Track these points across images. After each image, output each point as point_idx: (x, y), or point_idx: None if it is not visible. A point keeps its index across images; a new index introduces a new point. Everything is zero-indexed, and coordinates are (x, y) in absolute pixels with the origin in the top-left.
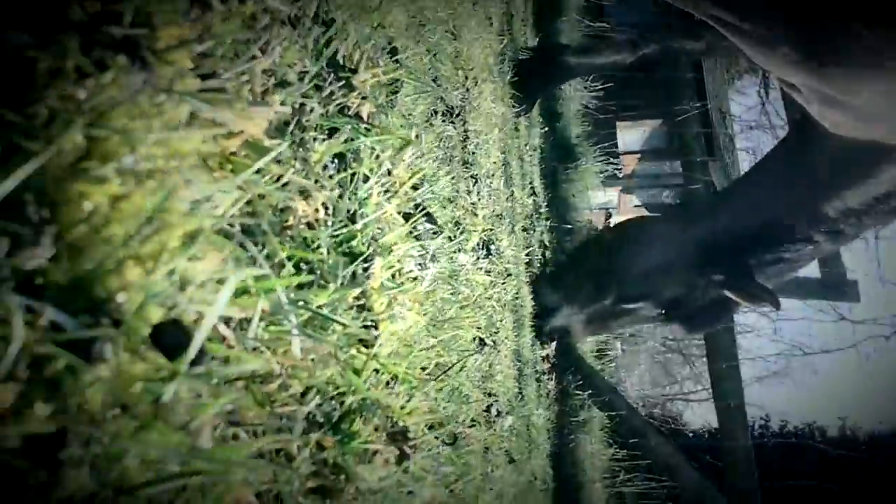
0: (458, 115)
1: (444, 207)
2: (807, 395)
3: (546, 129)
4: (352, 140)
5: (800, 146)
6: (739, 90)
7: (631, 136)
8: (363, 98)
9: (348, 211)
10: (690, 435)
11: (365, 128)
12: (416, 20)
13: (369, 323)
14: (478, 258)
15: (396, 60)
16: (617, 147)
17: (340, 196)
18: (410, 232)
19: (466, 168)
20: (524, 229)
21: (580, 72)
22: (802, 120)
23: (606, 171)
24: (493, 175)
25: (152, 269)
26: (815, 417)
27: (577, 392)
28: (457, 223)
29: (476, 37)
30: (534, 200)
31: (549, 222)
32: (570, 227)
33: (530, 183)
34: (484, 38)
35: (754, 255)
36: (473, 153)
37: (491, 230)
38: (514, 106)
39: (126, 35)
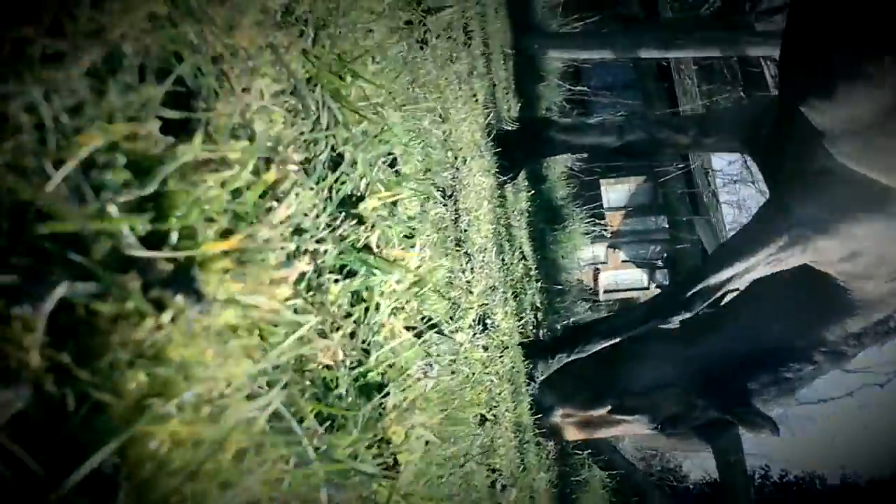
0: (450, 197)
1: (443, 296)
2: (805, 443)
3: (532, 192)
4: (366, 278)
5: (802, 274)
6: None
7: (616, 193)
8: (372, 226)
9: (363, 341)
10: (691, 487)
11: (375, 259)
12: (408, 114)
13: (389, 459)
14: (475, 334)
15: (396, 172)
16: (602, 205)
17: (353, 333)
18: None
19: (459, 246)
20: (515, 296)
21: (564, 149)
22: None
23: (593, 231)
24: (484, 249)
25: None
26: (815, 466)
27: (577, 451)
28: (453, 303)
29: (463, 116)
30: (524, 265)
31: (539, 284)
32: (560, 287)
33: (520, 248)
34: (470, 115)
35: (754, 377)
36: (465, 230)
37: (486, 304)
38: (500, 176)
39: (177, 268)
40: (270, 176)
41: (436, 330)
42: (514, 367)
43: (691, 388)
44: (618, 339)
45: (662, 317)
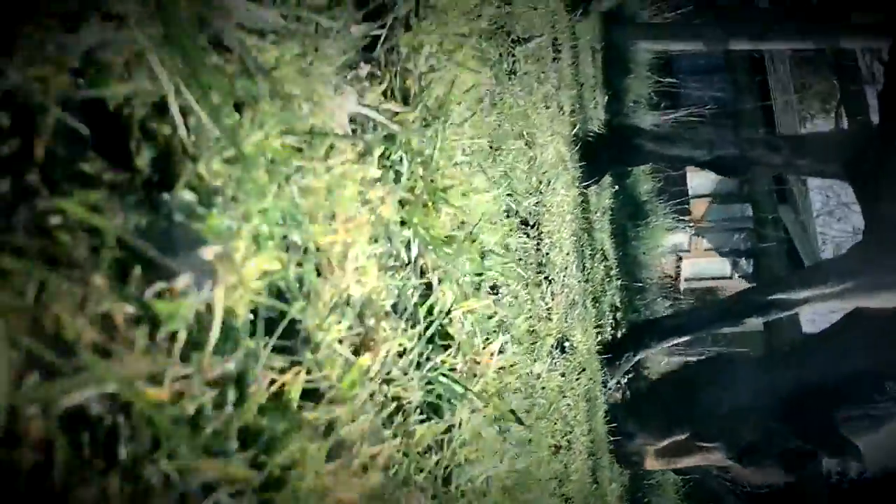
0: (532, 226)
1: (520, 327)
2: (885, 440)
3: (616, 187)
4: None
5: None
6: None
7: (700, 180)
8: (458, 349)
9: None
10: (766, 491)
11: (462, 386)
12: (497, 163)
13: None
14: (553, 361)
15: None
16: (686, 194)
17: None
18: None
19: (540, 270)
20: (595, 301)
21: (652, 159)
22: None
23: (676, 224)
24: (565, 268)
25: None
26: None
27: None
28: (532, 331)
29: (549, 137)
30: (604, 266)
31: (619, 282)
32: (640, 284)
33: (601, 250)
34: (556, 134)
35: (840, 408)
36: (547, 254)
37: (565, 326)
38: (583, 185)
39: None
40: (364, 360)
41: (515, 417)
42: (590, 386)
43: (771, 416)
44: (685, 337)
45: (735, 319)
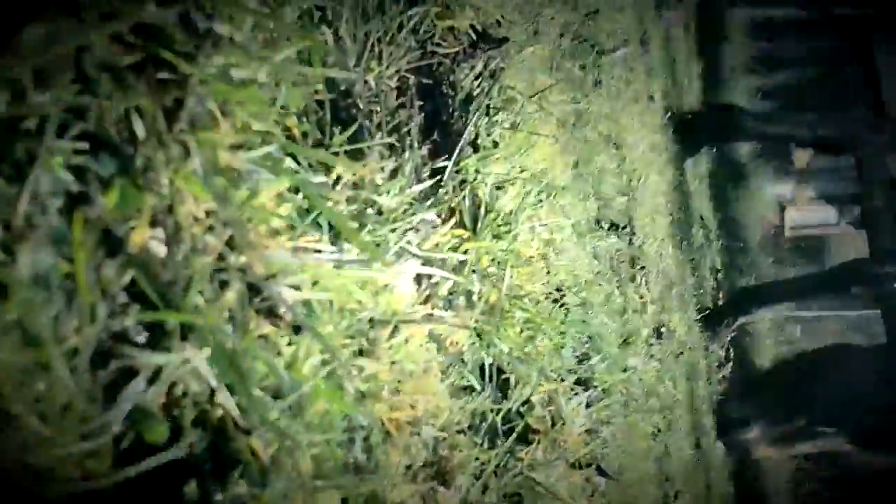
0: (623, 228)
1: (614, 323)
2: None
3: (714, 150)
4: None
5: None
6: None
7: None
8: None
9: None
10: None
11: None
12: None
13: None
14: (649, 350)
15: (564, 308)
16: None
17: None
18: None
19: (634, 264)
20: (693, 269)
21: (754, 138)
22: None
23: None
24: (660, 254)
25: None
26: None
27: None
28: (626, 325)
29: (639, 133)
30: (703, 231)
31: (720, 243)
32: (742, 245)
33: (699, 217)
34: (646, 123)
35: None
36: (640, 246)
37: (662, 311)
38: (679, 164)
39: None
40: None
41: (598, 471)
42: (691, 364)
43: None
44: (788, 303)
45: (840, 287)
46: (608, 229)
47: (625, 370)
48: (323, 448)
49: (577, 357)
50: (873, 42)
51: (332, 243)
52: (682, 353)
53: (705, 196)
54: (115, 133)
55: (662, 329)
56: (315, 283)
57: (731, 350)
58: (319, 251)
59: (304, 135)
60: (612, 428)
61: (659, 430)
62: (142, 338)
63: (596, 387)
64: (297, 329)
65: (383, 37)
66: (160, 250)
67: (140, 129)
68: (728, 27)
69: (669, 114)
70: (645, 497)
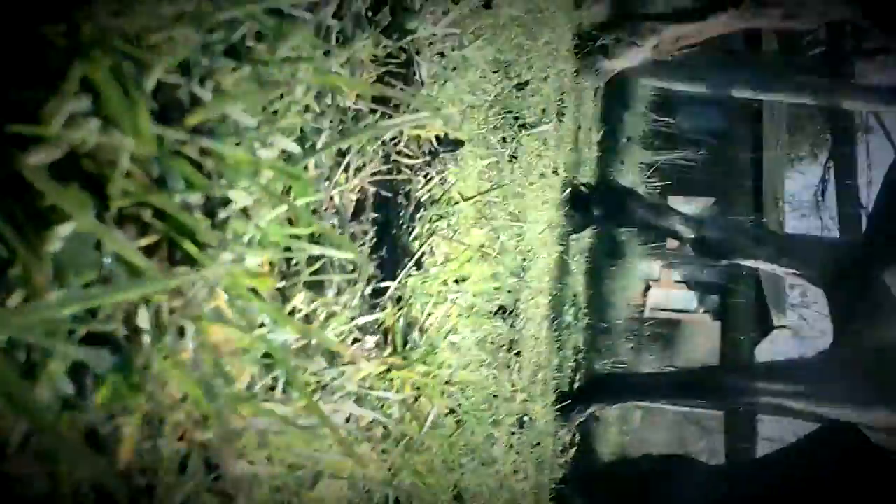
0: (510, 312)
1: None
2: None
3: (597, 228)
4: None
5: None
6: (798, 171)
7: (682, 209)
8: None
9: None
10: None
11: None
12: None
13: None
14: (510, 441)
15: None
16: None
17: None
18: None
19: (511, 348)
20: (559, 347)
21: (640, 226)
22: None
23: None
24: (537, 337)
25: None
26: None
27: None
28: (495, 417)
29: (541, 210)
30: (574, 310)
31: (587, 320)
32: (607, 325)
33: (573, 294)
34: (548, 199)
35: None
36: (521, 329)
37: (526, 401)
38: (566, 241)
39: None
40: None
41: None
42: (542, 459)
43: None
44: (642, 401)
45: (694, 396)
46: (496, 313)
47: (485, 465)
48: None
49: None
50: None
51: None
52: (538, 443)
53: (581, 273)
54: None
55: (525, 418)
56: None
57: (577, 436)
58: (274, 414)
59: (271, 265)
60: None
61: None
62: None
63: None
64: None
65: (357, 149)
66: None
67: (145, 322)
68: (632, 97)
69: (568, 189)
70: None
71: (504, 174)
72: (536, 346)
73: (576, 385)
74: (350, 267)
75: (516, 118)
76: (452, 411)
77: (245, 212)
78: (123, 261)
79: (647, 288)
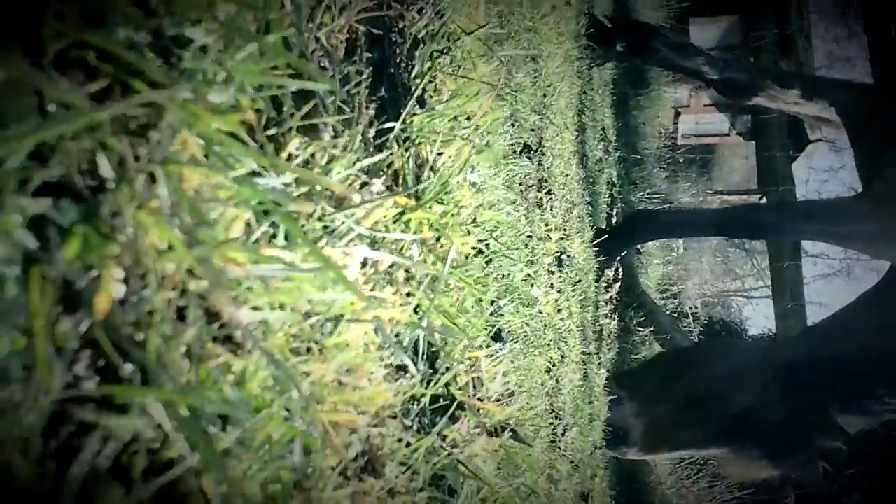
0: (535, 150)
1: (522, 255)
2: None
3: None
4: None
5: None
6: None
7: (705, 33)
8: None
9: None
10: (749, 339)
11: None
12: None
13: None
14: (550, 279)
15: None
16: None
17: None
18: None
19: (541, 186)
20: (592, 182)
21: (663, 64)
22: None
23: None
24: (566, 174)
25: None
26: None
27: (639, 329)
28: (532, 254)
29: (556, 43)
30: (603, 144)
31: (618, 154)
32: (638, 157)
33: (601, 127)
34: (562, 32)
35: (838, 394)
36: (549, 167)
37: (563, 238)
38: (591, 66)
39: None
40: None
41: (511, 435)
42: (585, 296)
43: (768, 384)
44: (679, 236)
45: (731, 232)
46: (520, 153)
47: (527, 305)
48: (271, 472)
49: (494, 306)
50: None
51: (286, 241)
52: (579, 280)
53: (608, 105)
54: (77, 174)
55: (563, 256)
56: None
57: (621, 269)
58: (276, 260)
59: (258, 111)
60: (517, 374)
61: (553, 364)
62: (92, 384)
63: (504, 337)
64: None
65: None
66: (118, 290)
67: (106, 169)
68: None
69: (584, 19)
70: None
71: (512, 9)
72: (567, 183)
73: (613, 220)
74: (348, 109)
75: None
76: (480, 252)
77: (205, 50)
78: (71, 108)
79: (678, 114)
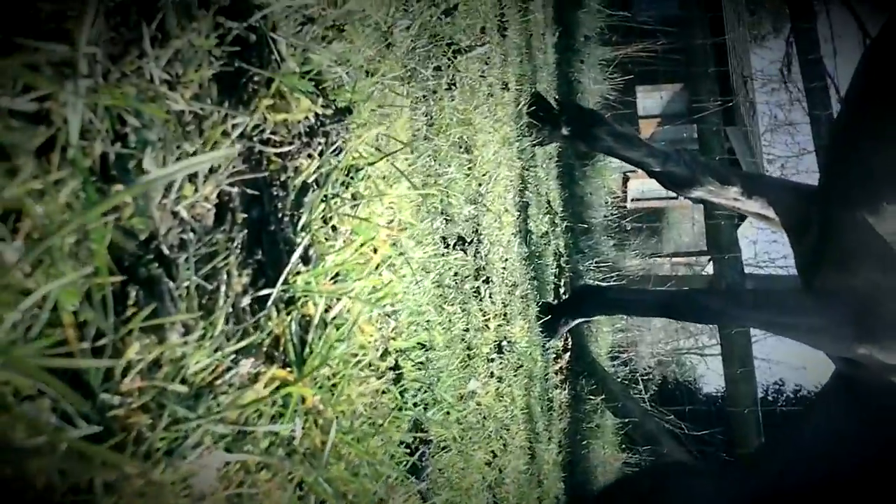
0: (470, 242)
1: (455, 353)
2: (822, 356)
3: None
4: None
5: (844, 406)
6: (763, 46)
7: (650, 101)
8: None
9: None
10: (703, 399)
11: None
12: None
13: None
14: (489, 369)
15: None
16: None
17: None
18: None
19: (478, 276)
20: (538, 256)
21: (605, 151)
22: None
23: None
24: (506, 259)
25: None
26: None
27: (591, 397)
28: (468, 348)
29: (490, 132)
30: (549, 217)
31: (564, 224)
32: (585, 226)
33: (546, 200)
34: (499, 118)
35: None
36: (486, 255)
37: (502, 326)
38: (532, 144)
39: None
40: None
41: None
42: (530, 375)
43: None
44: (625, 314)
45: (677, 315)
46: (454, 246)
47: (461, 398)
48: None
49: (411, 421)
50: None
51: None
52: (521, 364)
53: (553, 178)
54: None
55: (503, 343)
56: None
57: (570, 339)
58: None
59: (83, 325)
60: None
61: (495, 455)
62: None
63: (431, 441)
64: None
65: (200, 149)
66: None
67: None
68: None
69: (524, 100)
70: None
71: (443, 103)
72: (508, 265)
73: (561, 290)
74: (210, 286)
75: (449, 45)
76: (387, 390)
77: None
78: None
79: (626, 180)
